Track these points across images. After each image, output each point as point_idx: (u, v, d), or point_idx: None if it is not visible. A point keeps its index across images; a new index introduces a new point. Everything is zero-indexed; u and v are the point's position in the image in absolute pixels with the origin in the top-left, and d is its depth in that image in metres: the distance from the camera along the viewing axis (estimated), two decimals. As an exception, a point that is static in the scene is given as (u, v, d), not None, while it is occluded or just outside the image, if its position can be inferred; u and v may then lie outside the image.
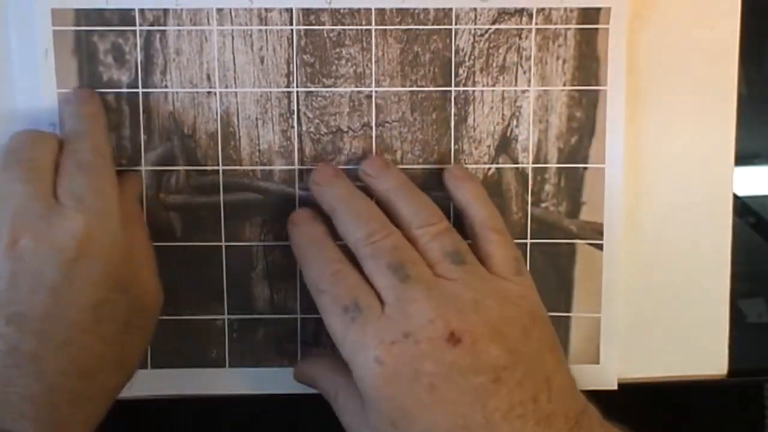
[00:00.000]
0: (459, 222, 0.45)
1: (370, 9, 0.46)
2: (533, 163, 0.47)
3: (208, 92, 0.47)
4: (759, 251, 0.55)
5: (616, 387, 0.49)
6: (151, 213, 0.47)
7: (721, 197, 0.49)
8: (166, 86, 0.46)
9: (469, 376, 0.39)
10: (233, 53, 0.46)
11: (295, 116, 0.47)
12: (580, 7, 0.46)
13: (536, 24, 0.46)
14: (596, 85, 0.47)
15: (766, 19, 0.51)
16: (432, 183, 0.47)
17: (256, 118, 0.47)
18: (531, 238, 0.48)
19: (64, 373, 0.38)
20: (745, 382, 0.55)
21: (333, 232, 0.44)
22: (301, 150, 0.47)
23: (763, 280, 0.55)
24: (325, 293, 0.42)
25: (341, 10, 0.46)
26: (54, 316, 0.39)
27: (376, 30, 0.46)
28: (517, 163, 0.47)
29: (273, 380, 0.48)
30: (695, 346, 0.50)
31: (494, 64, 0.47)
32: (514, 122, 0.47)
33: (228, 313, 0.48)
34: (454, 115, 0.47)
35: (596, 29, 0.46)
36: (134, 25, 0.46)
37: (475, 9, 0.46)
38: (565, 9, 0.46)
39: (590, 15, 0.46)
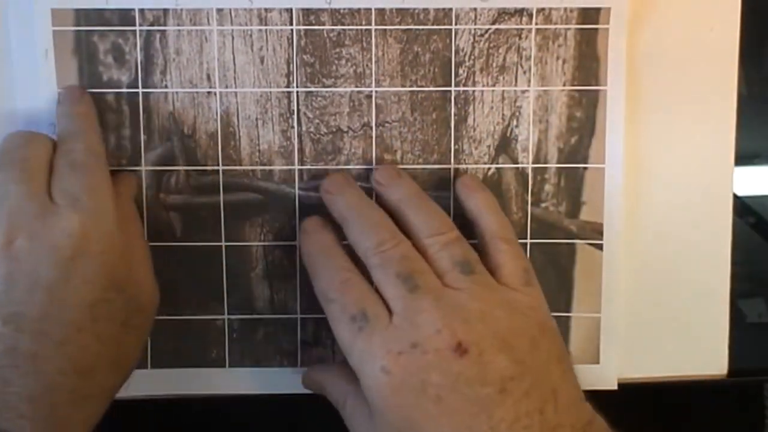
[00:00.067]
0: (469, 231, 0.45)
1: (370, 9, 0.46)
2: (533, 163, 0.47)
3: (208, 92, 0.47)
4: (759, 251, 0.55)
5: (616, 387, 0.49)
6: (151, 213, 0.47)
7: (721, 197, 0.49)
8: (166, 86, 0.46)
9: (476, 387, 0.39)
10: (233, 53, 0.46)
11: (295, 116, 0.47)
12: (580, 7, 0.46)
13: (536, 24, 0.46)
14: (596, 85, 0.47)
15: (766, 19, 0.51)
16: (432, 183, 0.47)
17: (256, 118, 0.47)
18: (531, 238, 0.48)
19: (62, 373, 0.38)
20: (745, 382, 0.55)
21: (343, 240, 0.44)
22: (301, 150, 0.47)
23: (763, 280, 0.55)
24: (334, 302, 0.42)
25: (341, 10, 0.46)
26: (51, 315, 0.39)
27: (376, 30, 0.46)
28: (517, 163, 0.47)
29: (273, 380, 0.48)
30: (695, 346, 0.50)
31: (494, 64, 0.47)
32: (514, 122, 0.47)
33: (228, 313, 0.48)
34: (454, 115, 0.47)
35: (596, 29, 0.46)
36: (134, 25, 0.46)
37: (475, 9, 0.46)
38: (565, 9, 0.46)
39: (590, 15, 0.46)
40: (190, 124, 0.47)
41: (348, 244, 0.44)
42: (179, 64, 0.46)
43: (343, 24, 0.46)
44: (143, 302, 0.43)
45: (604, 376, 0.49)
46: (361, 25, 0.46)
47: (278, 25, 0.46)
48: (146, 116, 0.47)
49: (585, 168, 0.47)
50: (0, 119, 0.46)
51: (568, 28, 0.46)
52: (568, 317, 0.48)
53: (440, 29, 0.46)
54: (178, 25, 0.46)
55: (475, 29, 0.46)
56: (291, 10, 0.46)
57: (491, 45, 0.46)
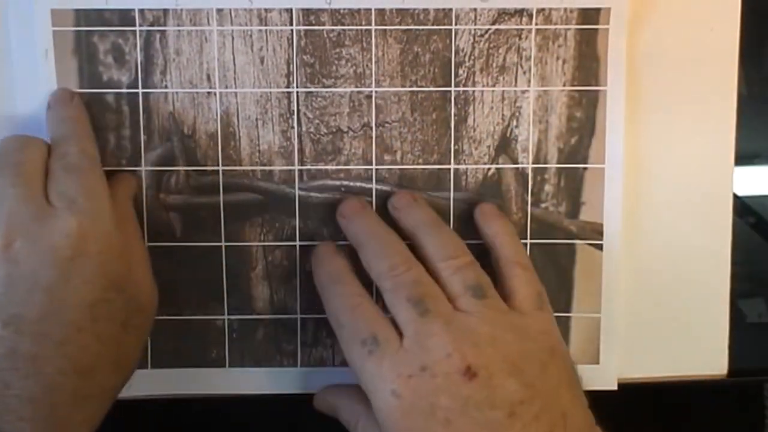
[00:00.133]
0: (484, 257, 0.45)
1: (370, 9, 0.46)
2: (533, 163, 0.47)
3: (208, 92, 0.47)
4: (759, 251, 0.55)
5: (616, 387, 0.49)
6: (151, 213, 0.47)
7: (721, 197, 0.49)
8: (166, 86, 0.46)
9: (485, 410, 0.39)
10: (233, 53, 0.46)
11: (295, 116, 0.47)
12: (580, 8, 0.46)
13: (536, 24, 0.46)
14: (596, 85, 0.47)
15: (766, 19, 0.51)
16: (431, 183, 0.47)
17: (256, 119, 0.47)
18: (531, 239, 0.48)
19: (62, 373, 0.38)
20: (745, 382, 0.55)
21: (357, 263, 0.45)
22: (301, 150, 0.47)
23: (763, 280, 0.55)
24: (345, 327, 0.42)
25: (341, 11, 0.46)
26: (51, 316, 0.39)
27: (376, 30, 0.46)
28: (517, 164, 0.47)
29: (273, 380, 0.48)
30: (695, 346, 0.50)
31: (494, 65, 0.47)
32: (514, 122, 0.47)
33: (228, 314, 0.48)
34: (454, 115, 0.47)
35: (596, 29, 0.46)
36: (134, 25, 0.46)
37: (475, 9, 0.46)
38: (565, 9, 0.46)
39: (590, 15, 0.46)
40: (190, 124, 0.47)
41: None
42: (179, 65, 0.46)
43: (343, 24, 0.46)
44: (143, 302, 0.43)
45: (604, 376, 0.49)
46: (361, 25, 0.46)
47: (278, 25, 0.46)
48: (146, 116, 0.47)
49: (585, 168, 0.47)
50: (0, 119, 0.46)
51: (568, 29, 0.46)
52: (568, 317, 0.48)
53: (440, 29, 0.46)
54: (178, 25, 0.46)
55: (475, 29, 0.46)
56: (291, 10, 0.46)
57: (491, 45, 0.46)
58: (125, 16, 0.46)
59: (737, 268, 0.49)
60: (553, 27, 0.46)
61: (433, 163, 0.47)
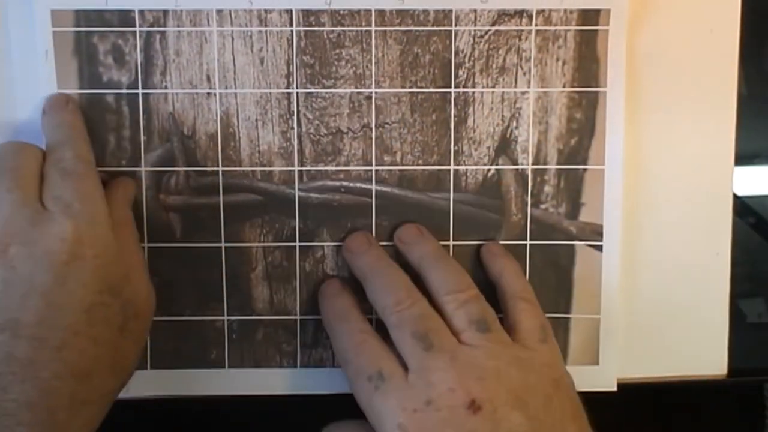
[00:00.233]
0: (490, 291, 0.46)
1: (370, 10, 0.46)
2: (533, 164, 0.47)
3: (208, 93, 0.47)
4: (759, 251, 0.55)
5: (615, 388, 0.49)
6: (150, 214, 0.47)
7: (721, 197, 0.49)
8: (165, 87, 0.46)
9: None
10: (233, 54, 0.46)
11: (295, 117, 0.47)
12: (580, 9, 0.46)
13: (536, 25, 0.46)
14: (596, 86, 0.47)
15: (766, 19, 0.51)
16: (431, 184, 0.47)
17: (256, 119, 0.47)
18: (530, 240, 0.48)
19: (59, 377, 0.38)
20: (745, 382, 0.55)
21: (363, 297, 0.46)
22: (300, 151, 0.47)
23: (763, 280, 0.55)
24: (351, 364, 0.43)
25: (341, 11, 0.46)
26: (47, 320, 0.39)
27: (375, 31, 0.46)
28: (517, 165, 0.47)
29: (272, 381, 0.48)
30: (695, 346, 0.50)
31: (494, 66, 0.47)
32: (514, 123, 0.47)
33: (227, 314, 0.48)
34: (454, 116, 0.47)
35: (596, 30, 0.46)
36: (134, 26, 0.46)
37: (475, 10, 0.46)
38: (565, 10, 0.46)
39: (590, 16, 0.46)
40: (189, 125, 0.47)
41: None
42: (179, 65, 0.46)
43: (342, 25, 0.46)
44: (139, 306, 0.43)
45: (604, 376, 0.49)
46: (360, 26, 0.46)
47: (278, 26, 0.46)
48: (146, 117, 0.47)
49: (585, 169, 0.47)
50: (0, 120, 0.46)
51: (568, 30, 0.46)
52: (568, 318, 0.49)
53: (440, 30, 0.46)
54: (178, 26, 0.46)
55: (474, 30, 0.46)
56: (291, 11, 0.46)
57: (491, 46, 0.46)
58: (125, 17, 0.46)
59: (737, 268, 0.49)
60: (552, 28, 0.46)
61: (433, 164, 0.47)
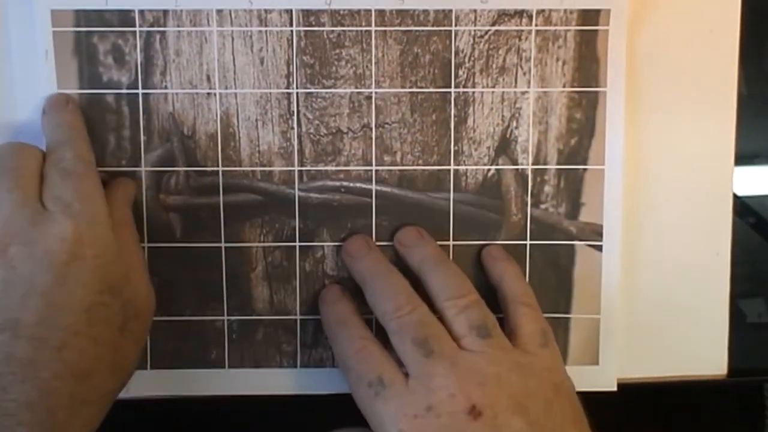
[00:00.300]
0: (490, 295, 0.46)
1: (370, 10, 0.46)
2: (533, 164, 0.47)
3: (208, 93, 0.47)
4: (759, 251, 0.55)
5: (615, 388, 0.49)
6: (150, 214, 0.47)
7: (721, 197, 0.49)
8: (165, 87, 0.46)
9: None
10: (233, 54, 0.46)
11: (295, 117, 0.47)
12: (580, 9, 0.46)
13: (536, 25, 0.46)
14: (596, 86, 0.47)
15: (766, 19, 0.51)
16: (431, 184, 0.47)
17: (256, 119, 0.47)
18: (530, 240, 0.48)
19: (59, 377, 0.38)
20: (745, 382, 0.55)
21: (362, 300, 0.46)
22: (300, 151, 0.47)
23: (763, 280, 0.55)
24: (351, 370, 0.43)
25: (341, 11, 0.46)
26: (47, 320, 0.39)
27: (375, 31, 0.46)
28: (517, 165, 0.47)
29: (272, 381, 0.48)
30: (695, 346, 0.50)
31: (494, 66, 0.47)
32: (514, 123, 0.47)
33: (227, 314, 0.48)
34: (454, 116, 0.47)
35: (596, 31, 0.46)
36: (134, 26, 0.46)
37: (475, 10, 0.46)
38: (565, 10, 0.46)
39: (590, 16, 0.46)
40: (189, 125, 0.47)
41: None
42: (179, 65, 0.46)
43: (342, 25, 0.46)
44: (139, 306, 0.43)
45: (604, 377, 0.49)
46: (360, 26, 0.46)
47: (278, 26, 0.46)
48: (146, 117, 0.47)
49: (585, 169, 0.47)
50: (0, 120, 0.46)
51: (568, 30, 0.46)
52: (568, 318, 0.49)
53: (440, 30, 0.46)
54: (178, 26, 0.46)
55: (474, 30, 0.46)
56: (291, 11, 0.46)
57: (491, 46, 0.46)
58: (125, 17, 0.46)
59: (737, 268, 0.49)
60: (552, 28, 0.46)
61: (433, 164, 0.47)
